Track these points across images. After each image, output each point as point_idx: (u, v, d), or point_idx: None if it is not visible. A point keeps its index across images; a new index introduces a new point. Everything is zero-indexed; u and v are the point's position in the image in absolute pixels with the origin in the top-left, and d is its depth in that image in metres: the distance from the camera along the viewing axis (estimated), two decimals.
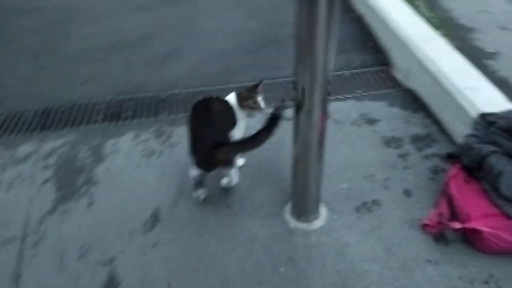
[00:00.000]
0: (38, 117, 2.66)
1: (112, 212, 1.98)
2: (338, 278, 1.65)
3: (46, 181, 2.16)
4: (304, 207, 1.83)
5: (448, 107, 2.30)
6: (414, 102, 2.58)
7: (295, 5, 1.28)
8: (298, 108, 1.51)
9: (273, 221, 1.88)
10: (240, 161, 2.12)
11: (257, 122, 1.87)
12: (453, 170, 1.86)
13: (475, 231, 1.63)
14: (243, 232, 1.84)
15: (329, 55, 1.36)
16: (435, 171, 2.09)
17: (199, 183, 1.95)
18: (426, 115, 2.46)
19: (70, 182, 2.15)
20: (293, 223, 1.86)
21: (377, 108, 2.55)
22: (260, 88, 1.96)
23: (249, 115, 2.02)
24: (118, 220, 1.94)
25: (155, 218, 1.93)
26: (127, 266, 1.73)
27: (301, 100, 1.47)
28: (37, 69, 3.19)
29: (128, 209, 1.99)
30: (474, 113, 2.08)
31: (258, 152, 2.09)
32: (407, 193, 1.99)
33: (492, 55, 3.23)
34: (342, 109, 2.55)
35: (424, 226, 1.80)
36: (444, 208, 1.83)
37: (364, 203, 1.94)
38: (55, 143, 2.42)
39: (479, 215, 1.65)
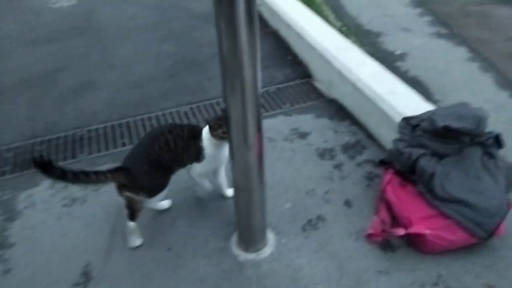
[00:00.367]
0: None
1: (35, 277, 1.73)
2: None
3: None
4: (251, 237, 1.75)
5: (371, 113, 2.38)
6: (339, 111, 2.64)
7: (215, 25, 1.21)
8: (230, 130, 1.43)
9: (220, 257, 1.77)
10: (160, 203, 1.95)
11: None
12: (387, 175, 1.91)
13: (418, 234, 1.66)
14: (189, 275, 1.70)
15: (257, 70, 1.29)
16: (370, 177, 2.14)
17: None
18: (352, 122, 2.53)
19: None
20: (242, 255, 1.77)
21: (306, 121, 2.56)
22: None
23: None
24: (43, 285, 1.69)
25: (86, 277, 1.72)
26: None
27: (234, 120, 1.39)
28: None
29: (53, 270, 1.75)
30: (396, 117, 2.16)
31: (191, 188, 1.99)
32: (348, 203, 2.00)
33: (400, 57, 3.46)
34: (273, 126, 2.52)
35: (369, 236, 1.81)
36: (384, 215, 1.86)
37: (309, 221, 1.91)
38: None
39: (419, 218, 1.70)
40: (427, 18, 4.15)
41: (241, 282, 1.66)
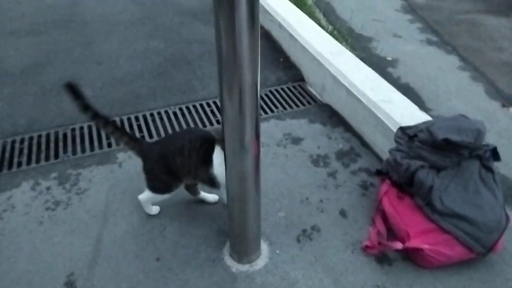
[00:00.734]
0: None
1: (13, 287, 1.62)
2: None
3: None
4: (244, 247, 1.69)
5: (366, 121, 2.34)
6: (332, 116, 2.60)
7: (214, 22, 1.13)
8: (225, 135, 1.36)
9: (212, 268, 1.70)
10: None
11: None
12: (384, 186, 1.88)
13: (416, 249, 1.63)
14: None
15: (257, 71, 1.23)
16: (365, 186, 2.10)
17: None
18: (346, 129, 2.49)
19: None
20: (234, 266, 1.70)
21: (299, 126, 2.51)
22: None
23: None
24: None
25: (70, 287, 1.62)
26: None
27: (230, 125, 1.31)
28: None
29: (34, 279, 1.64)
30: (391, 125, 2.14)
31: (181, 194, 1.91)
32: (343, 213, 1.95)
33: (392, 63, 3.45)
34: (265, 130, 2.46)
35: (365, 248, 1.77)
36: (381, 226, 1.83)
37: (304, 231, 1.86)
38: None
39: (418, 232, 1.67)
40: (418, 25, 4.16)
41: None
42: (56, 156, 2.29)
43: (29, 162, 2.23)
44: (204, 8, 4.04)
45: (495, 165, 1.79)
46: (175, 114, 2.63)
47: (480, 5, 4.63)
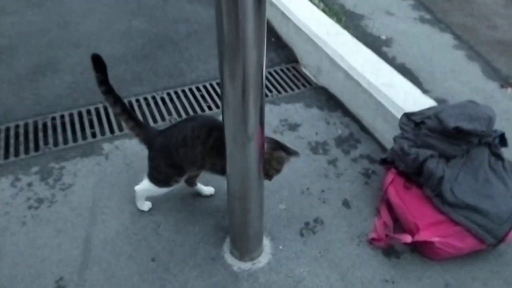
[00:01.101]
0: None
1: None
2: None
3: None
4: (246, 245, 1.59)
5: (366, 105, 2.24)
6: (329, 100, 2.48)
7: None
8: (226, 123, 1.23)
9: (212, 267, 1.60)
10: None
11: None
12: (390, 175, 1.79)
13: (426, 242, 1.56)
14: None
15: (263, 50, 1.09)
16: (367, 174, 2.02)
17: None
18: (344, 113, 2.39)
19: None
20: (236, 264, 1.61)
21: (295, 111, 2.39)
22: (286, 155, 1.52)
23: None
24: None
25: None
26: None
27: (232, 111, 1.18)
28: None
29: (18, 287, 1.51)
30: (394, 110, 2.05)
31: (175, 188, 1.78)
32: (346, 204, 1.87)
33: (386, 42, 3.33)
34: None
35: (372, 241, 1.70)
36: (386, 217, 1.75)
37: (307, 224, 1.77)
38: None
39: (427, 224, 1.60)
40: (410, 2, 4.03)
41: None
42: (37, 148, 2.12)
43: (7, 155, 2.06)
44: None
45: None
46: (162, 99, 2.47)
47: None
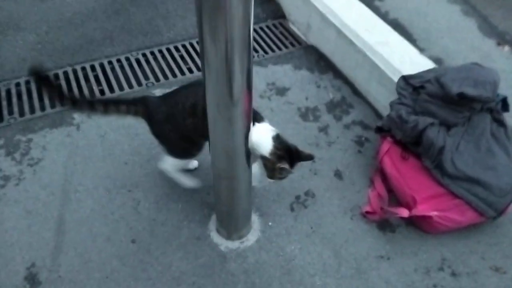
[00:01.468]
0: None
1: None
2: None
3: None
4: (234, 224, 1.48)
5: (359, 66, 2.08)
6: (319, 60, 2.31)
7: None
8: (208, 87, 1.07)
9: (197, 247, 1.49)
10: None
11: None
12: (385, 144, 1.67)
13: (423, 216, 1.48)
14: (162, 274, 1.42)
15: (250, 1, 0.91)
16: (360, 142, 1.90)
17: None
18: (335, 75, 2.23)
19: None
20: (223, 244, 1.51)
21: (284, 73, 2.22)
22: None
23: None
24: None
25: (32, 281, 1.38)
26: None
27: (215, 72, 1.01)
28: None
29: None
30: (389, 72, 1.90)
31: (158, 154, 1.64)
32: (338, 174, 1.77)
33: None
34: None
35: (366, 214, 1.61)
36: (381, 189, 1.66)
37: (297, 198, 1.67)
38: None
39: (425, 197, 1.51)
40: None
41: (225, 279, 1.42)
42: (1, 118, 1.92)
43: None
44: None
45: None
46: (138, 61, 2.26)
47: None
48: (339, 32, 2.14)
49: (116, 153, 1.77)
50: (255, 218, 1.58)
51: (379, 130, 1.72)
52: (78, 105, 1.43)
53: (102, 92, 2.07)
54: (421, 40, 2.64)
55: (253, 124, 1.25)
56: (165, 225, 1.55)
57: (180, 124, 1.35)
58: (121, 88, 2.10)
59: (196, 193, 1.65)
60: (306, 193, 1.69)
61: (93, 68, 2.20)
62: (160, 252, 1.47)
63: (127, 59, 2.26)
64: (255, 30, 2.51)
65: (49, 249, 1.46)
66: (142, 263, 1.44)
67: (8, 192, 1.62)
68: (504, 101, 1.63)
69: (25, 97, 2.02)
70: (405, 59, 1.93)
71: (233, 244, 1.50)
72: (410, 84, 1.69)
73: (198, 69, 2.22)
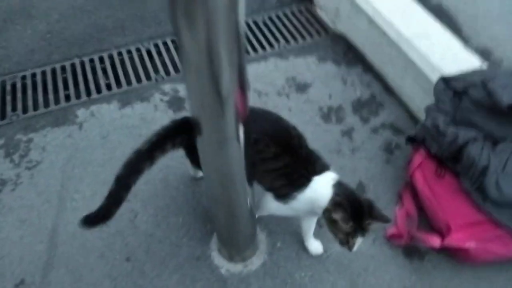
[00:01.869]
0: None
1: None
2: None
3: None
4: (235, 247, 1.32)
5: (392, 61, 1.83)
6: (348, 52, 2.06)
7: None
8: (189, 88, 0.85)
9: (196, 269, 1.35)
10: None
11: None
12: (418, 157, 1.44)
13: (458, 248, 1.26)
14: None
15: None
16: (389, 149, 1.67)
17: None
18: (365, 69, 1.98)
19: None
20: (224, 266, 1.35)
21: (306, 67, 2.00)
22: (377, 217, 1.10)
23: None
24: None
25: None
26: None
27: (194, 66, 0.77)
28: None
29: None
30: (428, 69, 1.64)
31: (156, 168, 1.48)
32: (361, 187, 1.56)
33: None
34: (263, 73, 1.96)
35: (391, 237, 1.40)
36: (410, 207, 1.44)
37: None
38: None
39: (462, 224, 1.28)
40: None
41: None
42: (3, 115, 1.83)
43: None
44: None
45: None
46: (149, 52, 2.10)
47: None
48: (370, 20, 1.88)
49: (117, 157, 1.63)
50: (262, 237, 1.42)
51: (411, 140, 1.49)
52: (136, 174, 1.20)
53: (108, 86, 1.93)
54: (467, 29, 2.31)
55: (311, 177, 1.09)
56: (163, 242, 1.41)
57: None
58: (129, 82, 1.95)
59: (199, 206, 1.50)
60: None
61: (101, 60, 2.06)
62: (155, 273, 1.34)
63: (138, 50, 2.11)
64: (278, 16, 2.28)
65: (40, 264, 1.36)
66: (135, 285, 1.31)
67: (4, 198, 1.53)
68: None
69: (30, 91, 1.91)
70: (447, 55, 1.66)
71: (236, 268, 1.35)
72: (451, 87, 1.43)
73: None
